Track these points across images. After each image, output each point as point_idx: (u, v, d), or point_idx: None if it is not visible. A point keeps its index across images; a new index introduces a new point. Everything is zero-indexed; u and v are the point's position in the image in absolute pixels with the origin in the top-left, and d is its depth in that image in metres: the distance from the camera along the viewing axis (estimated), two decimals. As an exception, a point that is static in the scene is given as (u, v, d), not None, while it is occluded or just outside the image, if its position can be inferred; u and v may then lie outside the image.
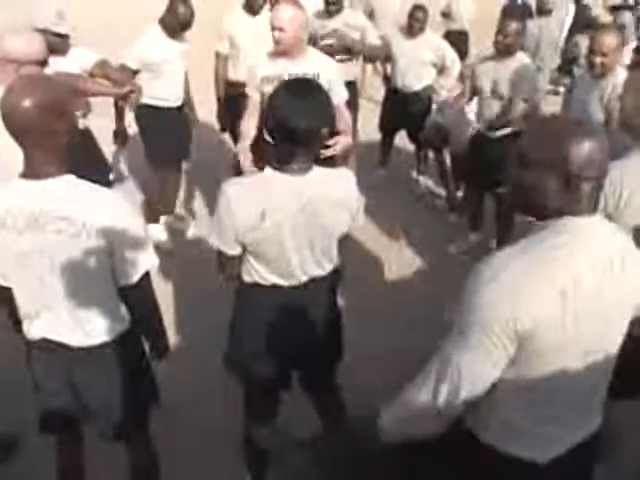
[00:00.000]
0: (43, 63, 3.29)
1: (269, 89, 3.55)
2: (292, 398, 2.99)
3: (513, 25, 4.75)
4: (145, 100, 4.83)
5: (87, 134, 4.61)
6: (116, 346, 2.37)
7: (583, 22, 10.62)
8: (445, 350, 1.72)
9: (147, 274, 2.32)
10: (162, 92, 5.08)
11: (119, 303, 2.35)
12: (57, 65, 4.12)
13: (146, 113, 5.06)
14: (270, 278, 2.54)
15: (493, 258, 1.69)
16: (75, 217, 2.08)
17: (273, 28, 3.93)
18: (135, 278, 2.27)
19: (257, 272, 2.54)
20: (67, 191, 2.12)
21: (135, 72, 4.83)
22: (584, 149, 1.59)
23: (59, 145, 2.10)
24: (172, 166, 5.47)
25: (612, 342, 1.77)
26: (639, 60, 2.84)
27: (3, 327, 2.68)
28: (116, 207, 2.18)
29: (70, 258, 2.13)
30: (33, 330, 2.33)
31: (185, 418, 3.51)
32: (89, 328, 2.29)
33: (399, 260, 5.49)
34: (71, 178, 2.14)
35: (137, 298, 2.35)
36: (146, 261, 2.30)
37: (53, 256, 2.13)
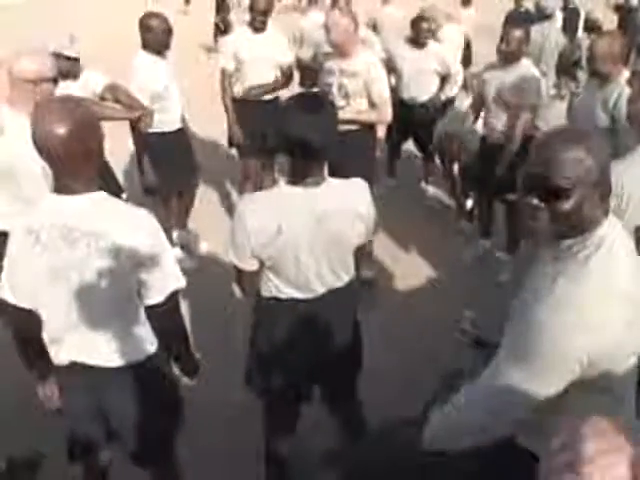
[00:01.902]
0: (55, 81, 3.37)
1: (325, 81, 4.86)
2: (310, 411, 3.00)
3: (516, 33, 4.77)
4: (156, 129, 4.88)
5: None
6: (145, 367, 2.38)
7: (575, 25, 10.70)
8: (507, 368, 1.75)
9: (175, 294, 2.33)
10: (170, 115, 5.09)
11: (147, 323, 2.37)
12: (68, 89, 4.20)
13: (156, 141, 5.02)
14: (288, 292, 2.56)
15: (556, 282, 1.71)
16: (105, 233, 2.11)
17: (330, 33, 4.63)
18: (162, 297, 2.29)
19: (275, 286, 2.57)
20: (99, 207, 2.17)
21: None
22: (599, 161, 1.66)
23: (91, 163, 2.16)
24: (184, 188, 5.53)
25: None
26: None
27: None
28: (145, 225, 2.22)
29: (100, 274, 2.15)
30: (62, 354, 2.34)
31: (204, 434, 3.53)
32: (118, 347, 2.31)
33: (410, 269, 5.51)
34: (102, 195, 2.19)
35: (164, 318, 2.36)
36: (173, 281, 2.32)
37: (84, 272, 2.15)
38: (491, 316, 2.54)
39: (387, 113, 4.87)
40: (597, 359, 1.65)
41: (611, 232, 1.73)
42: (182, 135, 5.34)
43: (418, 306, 4.88)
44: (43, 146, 2.06)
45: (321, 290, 2.59)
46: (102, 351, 2.30)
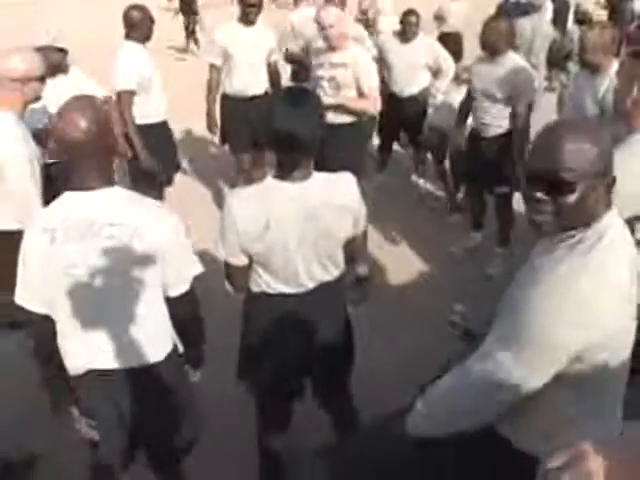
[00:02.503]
0: (43, 79, 3.36)
1: (315, 75, 5.06)
2: (302, 406, 2.99)
3: (495, 24, 4.76)
4: (141, 121, 4.92)
5: None
6: (165, 365, 2.39)
7: (565, 17, 10.73)
8: (494, 351, 1.75)
9: (193, 281, 2.38)
10: (154, 106, 5.09)
11: (166, 320, 2.38)
12: (57, 85, 4.19)
13: (145, 134, 5.03)
14: (277, 286, 2.57)
15: (555, 272, 1.69)
16: (127, 223, 2.15)
17: (322, 27, 4.78)
18: (187, 286, 2.34)
19: (264, 281, 2.57)
20: (118, 200, 2.21)
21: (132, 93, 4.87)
22: (602, 153, 1.67)
23: (109, 158, 2.22)
24: (168, 180, 5.52)
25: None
26: (631, 51, 2.87)
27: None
28: (164, 215, 2.27)
29: (123, 264, 2.18)
30: (79, 362, 2.33)
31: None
32: (139, 349, 2.31)
33: (402, 264, 5.51)
34: (119, 189, 2.23)
35: (187, 305, 2.40)
36: (194, 268, 2.37)
37: (107, 263, 2.17)
38: (481, 308, 2.54)
39: (376, 103, 5.05)
40: (586, 352, 1.64)
41: (613, 224, 1.73)
42: (165, 128, 5.34)
43: (409, 299, 4.89)
44: (68, 141, 2.11)
45: (310, 285, 2.59)
46: (121, 352, 2.30)
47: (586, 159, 1.63)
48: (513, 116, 4.80)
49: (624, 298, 1.66)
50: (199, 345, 2.63)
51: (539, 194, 1.70)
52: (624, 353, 1.75)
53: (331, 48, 4.89)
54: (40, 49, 3.99)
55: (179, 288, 2.33)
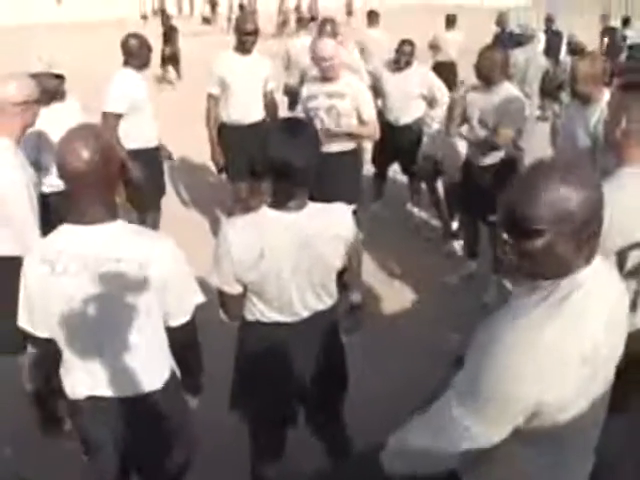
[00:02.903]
0: (39, 102, 3.39)
1: (310, 105, 5.00)
2: (295, 433, 2.98)
3: (490, 54, 4.82)
4: (131, 145, 4.98)
5: None
6: (162, 393, 2.37)
7: (558, 48, 10.88)
8: (452, 405, 1.67)
9: (193, 315, 2.36)
10: (145, 132, 5.16)
11: (165, 348, 2.37)
12: (55, 112, 4.21)
13: (133, 158, 5.05)
14: (271, 315, 2.58)
15: (518, 322, 1.60)
16: (129, 259, 2.12)
17: (319, 60, 4.81)
18: (188, 316, 2.33)
19: (259, 310, 2.58)
20: (119, 235, 2.18)
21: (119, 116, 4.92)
22: (585, 202, 1.55)
23: (111, 190, 2.19)
24: (156, 205, 5.58)
25: (612, 376, 1.77)
26: (621, 82, 2.91)
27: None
28: (167, 247, 2.24)
29: (125, 298, 2.16)
30: (78, 389, 2.32)
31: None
32: (136, 378, 2.29)
33: (396, 292, 5.51)
34: (122, 222, 2.21)
35: (185, 337, 2.39)
36: (195, 298, 2.36)
37: (103, 300, 2.14)
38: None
39: (377, 130, 5.15)
40: (544, 410, 1.58)
41: (594, 276, 1.65)
42: (155, 154, 5.39)
43: (403, 328, 4.88)
44: (66, 166, 2.08)
45: (304, 313, 2.61)
46: (119, 381, 2.28)
47: (559, 208, 1.54)
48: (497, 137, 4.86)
49: (586, 361, 1.57)
50: (197, 373, 2.62)
51: (504, 234, 1.66)
52: (591, 412, 1.68)
53: (326, 78, 4.91)
54: (35, 76, 4.00)
55: (180, 318, 2.31)
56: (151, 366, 2.33)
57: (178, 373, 2.52)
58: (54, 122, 4.20)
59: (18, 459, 3.40)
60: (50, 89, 4.27)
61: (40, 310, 2.23)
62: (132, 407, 2.33)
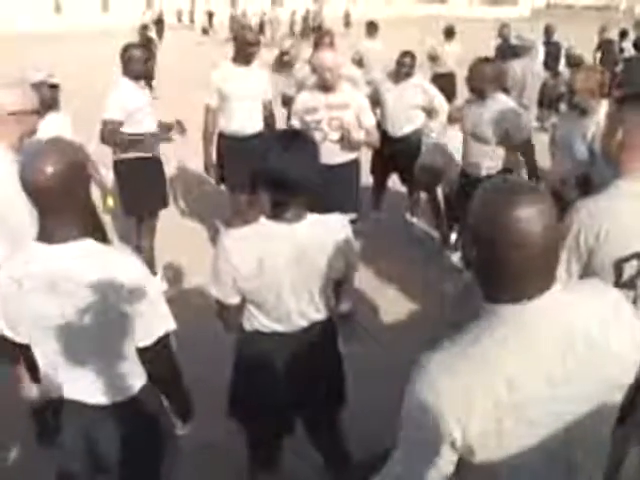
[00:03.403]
0: (38, 113, 3.39)
1: (310, 118, 4.94)
2: (293, 445, 3.00)
3: (481, 68, 4.86)
4: (131, 154, 5.04)
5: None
6: (131, 406, 2.34)
7: (557, 59, 10.94)
8: (393, 469, 1.62)
9: (165, 337, 2.29)
10: None
11: (137, 365, 2.32)
12: (50, 124, 4.23)
13: (129, 165, 5.14)
14: (270, 325, 2.59)
15: (431, 362, 1.56)
16: (95, 280, 2.08)
17: (323, 70, 4.80)
18: (151, 340, 2.24)
19: (257, 320, 2.59)
20: (86, 254, 2.11)
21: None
22: (514, 224, 1.43)
23: (78, 208, 2.13)
24: (153, 215, 5.58)
25: (586, 424, 1.56)
26: (617, 95, 2.93)
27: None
28: (134, 270, 2.19)
29: (89, 320, 2.12)
30: (56, 390, 2.31)
31: (188, 466, 3.52)
32: (108, 386, 2.28)
33: (393, 303, 5.52)
34: (90, 241, 2.15)
35: (154, 360, 2.31)
36: (163, 324, 2.28)
37: (72, 318, 2.12)
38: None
39: (378, 138, 5.25)
40: (471, 448, 1.48)
41: (532, 314, 1.49)
42: (156, 163, 5.40)
43: (400, 338, 4.88)
44: (31, 187, 2.02)
45: (302, 323, 2.62)
46: (89, 390, 2.28)
47: (477, 223, 1.53)
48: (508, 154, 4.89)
49: (493, 408, 1.45)
50: (176, 397, 2.54)
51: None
52: (544, 456, 1.53)
53: (326, 89, 4.91)
54: (33, 85, 4.04)
55: (146, 340, 2.24)
56: (117, 379, 2.30)
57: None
58: (50, 132, 4.27)
59: (17, 466, 3.40)
60: (46, 99, 4.31)
61: (14, 319, 2.20)
62: (101, 415, 2.31)
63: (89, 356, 2.22)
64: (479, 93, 4.90)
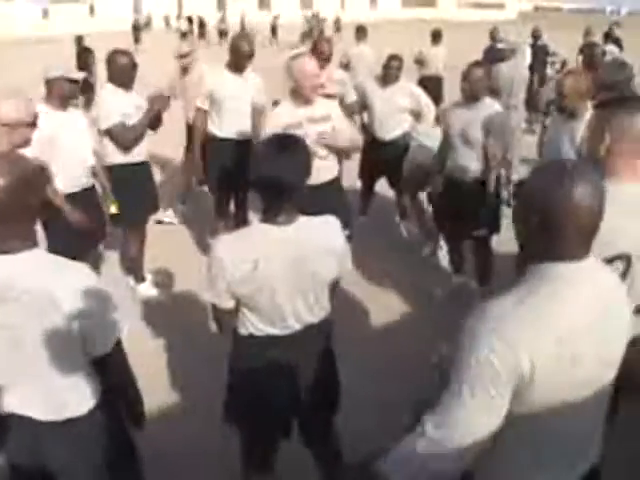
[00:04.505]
0: (33, 125, 3.40)
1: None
2: (288, 446, 3.00)
3: (477, 72, 4.89)
4: (118, 160, 5.03)
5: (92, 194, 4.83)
6: (88, 420, 2.31)
7: (543, 60, 11.02)
8: (441, 409, 1.73)
9: (118, 343, 2.29)
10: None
11: (90, 375, 2.30)
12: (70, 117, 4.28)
13: (121, 171, 5.12)
14: (264, 329, 2.60)
15: (488, 310, 1.71)
16: (43, 291, 2.06)
17: (304, 79, 4.45)
18: (106, 348, 2.23)
19: (251, 324, 2.60)
20: (35, 265, 2.11)
21: None
22: (566, 195, 1.65)
23: (30, 220, 2.14)
24: (144, 221, 5.59)
25: (609, 379, 1.82)
26: (601, 99, 2.95)
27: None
28: (83, 280, 2.17)
29: (38, 332, 2.10)
30: (3, 404, 2.27)
31: (186, 469, 3.53)
32: (59, 402, 2.25)
33: (384, 306, 5.54)
34: (39, 252, 2.15)
35: (110, 367, 2.29)
36: (114, 331, 2.27)
37: (20, 330, 2.10)
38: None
39: (361, 140, 5.33)
40: (526, 384, 1.64)
41: (577, 272, 1.73)
42: (145, 168, 5.40)
43: (392, 341, 4.90)
44: None
45: (297, 326, 2.63)
46: (43, 405, 2.24)
47: (530, 192, 1.75)
48: (486, 157, 4.92)
49: (555, 345, 1.64)
50: (132, 405, 2.52)
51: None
52: (584, 401, 1.75)
53: (305, 101, 4.56)
54: (52, 80, 4.29)
55: (99, 350, 2.22)
56: (71, 393, 2.27)
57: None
58: (69, 126, 4.39)
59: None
60: (66, 94, 4.40)
61: None
62: (51, 431, 2.27)
63: (38, 369, 2.19)
64: (473, 97, 4.94)
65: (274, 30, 33.54)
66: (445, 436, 1.70)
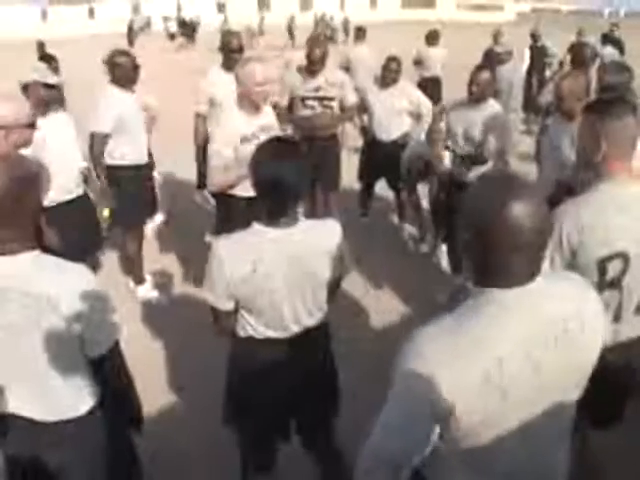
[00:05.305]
0: (32, 126, 3.39)
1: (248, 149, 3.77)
2: (287, 451, 3.01)
3: (484, 74, 4.95)
4: (119, 162, 5.02)
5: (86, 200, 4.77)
6: (87, 420, 2.32)
7: (542, 63, 11.04)
8: (375, 439, 1.74)
9: (116, 344, 2.30)
10: (135, 149, 5.16)
11: (88, 377, 2.31)
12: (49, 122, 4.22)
13: (121, 172, 5.10)
14: (263, 331, 2.60)
15: (419, 335, 1.69)
16: (41, 292, 2.07)
17: (260, 84, 4.28)
18: (103, 350, 2.24)
19: (250, 326, 2.60)
20: (33, 267, 2.11)
21: None
22: (508, 216, 1.51)
23: (27, 221, 2.13)
24: (142, 222, 5.60)
25: (557, 410, 1.69)
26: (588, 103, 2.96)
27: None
28: (82, 281, 2.17)
29: (37, 333, 2.11)
30: (2, 405, 2.27)
31: (185, 470, 3.53)
32: (58, 403, 2.25)
33: (384, 306, 5.54)
34: (37, 254, 2.15)
35: (107, 369, 2.30)
36: (113, 332, 2.29)
37: (19, 332, 2.11)
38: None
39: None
40: (454, 417, 1.57)
41: (519, 296, 1.60)
42: (145, 170, 5.40)
43: (392, 341, 4.88)
44: None
45: (296, 329, 2.64)
46: (41, 406, 2.25)
47: (472, 212, 1.63)
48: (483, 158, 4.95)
49: (482, 380, 1.55)
50: (129, 407, 2.54)
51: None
52: (523, 434, 1.65)
53: (256, 109, 4.44)
54: (28, 85, 4.20)
55: (95, 351, 2.24)
56: (69, 394, 2.28)
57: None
58: (52, 134, 4.25)
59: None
60: (43, 99, 4.29)
61: None
62: (50, 432, 2.28)
63: (36, 370, 2.19)
64: (479, 98, 5.00)
65: (290, 31, 33.46)
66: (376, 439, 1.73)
